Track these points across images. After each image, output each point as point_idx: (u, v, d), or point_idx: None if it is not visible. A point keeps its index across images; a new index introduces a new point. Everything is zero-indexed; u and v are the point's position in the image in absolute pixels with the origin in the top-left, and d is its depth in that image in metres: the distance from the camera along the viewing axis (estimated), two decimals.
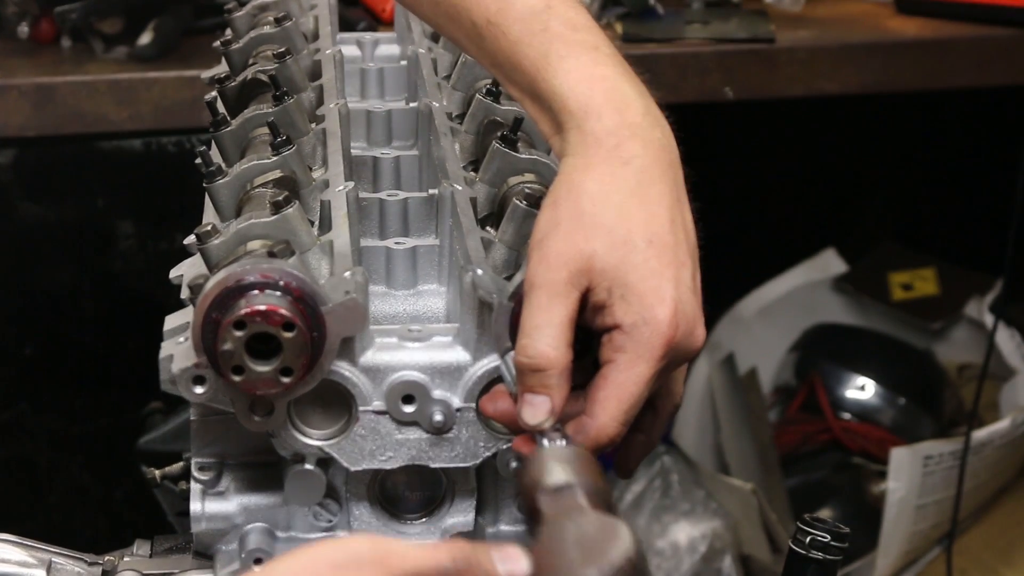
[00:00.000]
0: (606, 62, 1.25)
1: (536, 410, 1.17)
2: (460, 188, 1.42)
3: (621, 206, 1.19)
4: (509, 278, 1.28)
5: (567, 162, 1.23)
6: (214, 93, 1.68)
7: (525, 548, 1.00)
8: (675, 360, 1.20)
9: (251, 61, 1.71)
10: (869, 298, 3.28)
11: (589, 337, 1.22)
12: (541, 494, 1.06)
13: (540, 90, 1.25)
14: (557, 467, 1.08)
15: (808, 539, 1.37)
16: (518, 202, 1.32)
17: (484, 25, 1.29)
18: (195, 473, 1.36)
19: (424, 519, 1.35)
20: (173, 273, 1.43)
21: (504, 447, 1.29)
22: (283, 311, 1.18)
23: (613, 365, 1.18)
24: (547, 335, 1.17)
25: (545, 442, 1.16)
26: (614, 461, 1.31)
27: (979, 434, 2.82)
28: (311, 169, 1.46)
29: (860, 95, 2.85)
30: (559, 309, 1.18)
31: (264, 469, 1.36)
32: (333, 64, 1.69)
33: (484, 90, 1.55)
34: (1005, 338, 3.07)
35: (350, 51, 1.91)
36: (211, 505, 1.35)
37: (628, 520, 1.02)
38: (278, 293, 1.19)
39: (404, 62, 1.86)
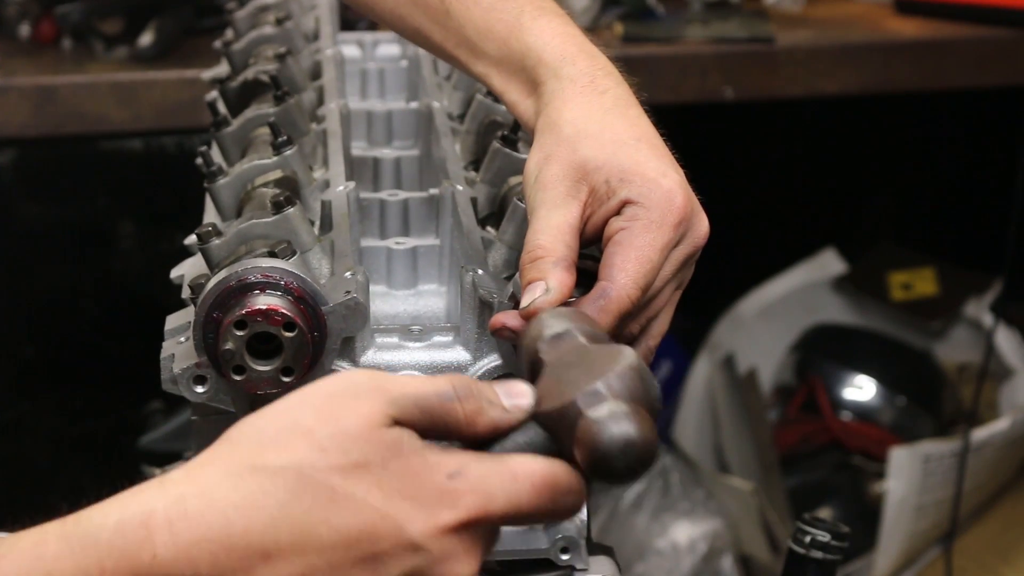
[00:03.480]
0: (573, 25, 1.30)
1: (531, 292, 1.14)
2: (461, 188, 1.42)
3: (603, 120, 1.22)
4: (509, 278, 1.28)
5: (546, 107, 1.24)
6: (215, 93, 1.68)
7: (530, 385, 0.98)
8: (685, 239, 1.19)
9: (252, 61, 1.71)
10: (869, 298, 3.29)
11: None
12: (540, 344, 1.03)
13: (513, 50, 1.27)
14: (554, 320, 1.05)
15: (808, 539, 1.37)
16: (519, 202, 1.32)
17: (453, 0, 1.31)
18: None
19: None
20: (174, 273, 1.43)
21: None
22: (284, 311, 1.18)
23: (627, 231, 1.17)
24: (546, 234, 1.17)
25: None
26: None
27: (979, 434, 2.82)
28: (312, 169, 1.46)
29: (860, 95, 2.86)
30: (558, 215, 1.18)
31: None
32: (333, 64, 1.70)
33: (484, 90, 1.55)
34: (1005, 338, 3.07)
35: (350, 51, 1.91)
36: None
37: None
38: (279, 293, 1.19)
39: (404, 62, 1.87)
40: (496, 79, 1.30)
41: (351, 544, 0.89)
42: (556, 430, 0.95)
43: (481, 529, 0.92)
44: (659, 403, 0.96)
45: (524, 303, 1.15)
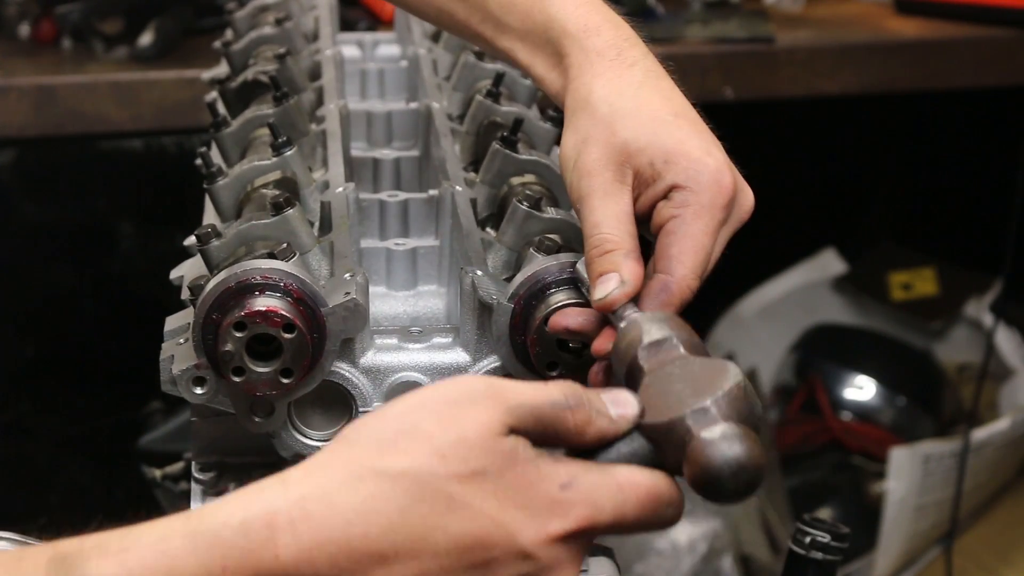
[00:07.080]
0: None
1: (605, 285, 1.14)
2: (460, 189, 1.42)
3: (637, 96, 1.21)
4: (509, 279, 1.28)
5: (574, 82, 1.23)
6: (215, 94, 1.68)
7: (634, 395, 1.00)
8: (733, 217, 1.19)
9: (251, 61, 1.71)
10: (869, 298, 3.29)
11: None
12: (640, 351, 1.05)
13: (536, 22, 1.26)
14: (653, 326, 1.06)
15: (808, 539, 1.36)
16: (518, 203, 1.32)
17: None
18: (195, 473, 1.36)
19: None
20: (174, 274, 1.43)
21: None
22: (283, 312, 1.18)
23: (679, 219, 1.16)
24: (608, 225, 1.16)
25: (624, 320, 1.11)
26: None
27: (979, 434, 2.82)
28: (311, 170, 1.46)
29: (860, 95, 2.86)
30: (613, 204, 1.17)
31: (264, 470, 1.36)
32: (333, 65, 1.70)
33: (484, 91, 1.55)
34: (1005, 338, 3.07)
35: (350, 51, 1.91)
36: None
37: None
38: (278, 294, 1.19)
39: (404, 63, 1.87)
40: (521, 53, 1.29)
41: (464, 551, 0.92)
42: (661, 443, 0.97)
43: (586, 538, 0.95)
44: (761, 422, 0.97)
45: (598, 295, 1.14)
